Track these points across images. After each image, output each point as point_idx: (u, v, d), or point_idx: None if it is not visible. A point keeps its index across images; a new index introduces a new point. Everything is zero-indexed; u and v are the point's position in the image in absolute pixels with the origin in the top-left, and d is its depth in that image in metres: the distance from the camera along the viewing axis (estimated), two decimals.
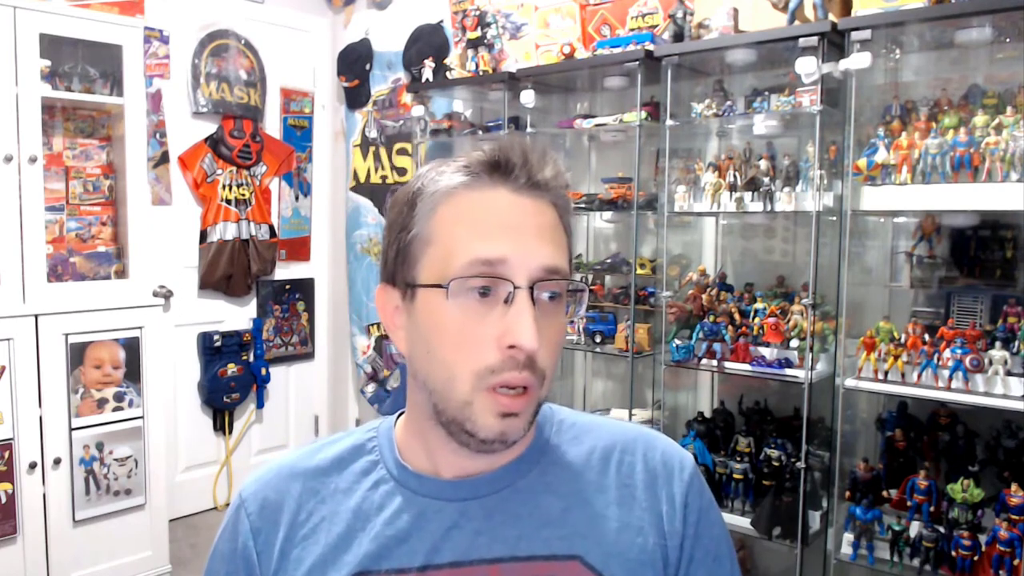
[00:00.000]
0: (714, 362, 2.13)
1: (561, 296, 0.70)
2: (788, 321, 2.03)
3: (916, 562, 1.78)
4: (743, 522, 2.07)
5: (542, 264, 0.67)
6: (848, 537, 1.88)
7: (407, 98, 3.21)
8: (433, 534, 0.71)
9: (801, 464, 1.96)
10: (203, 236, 3.27)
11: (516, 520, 0.72)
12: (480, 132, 2.82)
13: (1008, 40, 1.83)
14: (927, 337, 1.79)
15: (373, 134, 3.51)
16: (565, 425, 0.80)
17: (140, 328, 2.58)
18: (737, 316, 2.14)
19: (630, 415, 2.35)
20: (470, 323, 0.66)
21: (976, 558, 1.69)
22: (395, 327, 0.74)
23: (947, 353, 1.73)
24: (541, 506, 0.73)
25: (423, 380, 0.71)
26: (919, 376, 1.78)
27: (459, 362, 0.67)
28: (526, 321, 0.65)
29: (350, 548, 0.72)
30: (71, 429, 2.44)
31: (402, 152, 3.40)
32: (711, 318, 2.14)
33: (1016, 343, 1.69)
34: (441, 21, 3.15)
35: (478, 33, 2.66)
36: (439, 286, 0.67)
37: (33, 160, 2.34)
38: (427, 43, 3.18)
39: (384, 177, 3.48)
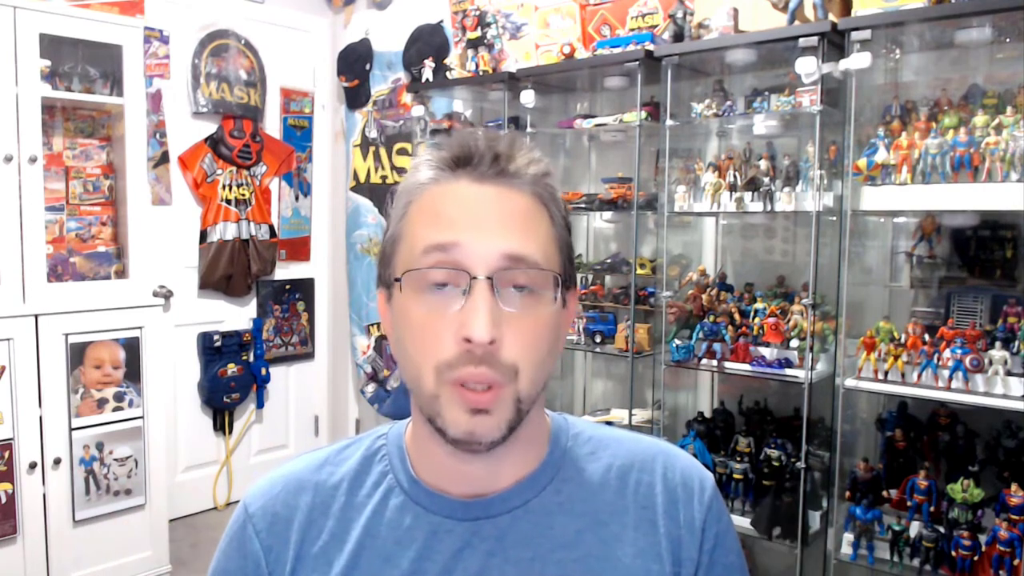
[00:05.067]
0: (714, 362, 2.13)
1: (538, 289, 0.65)
2: (788, 321, 2.03)
3: (916, 562, 1.78)
4: (743, 522, 2.07)
5: (501, 251, 0.63)
6: (848, 537, 1.88)
7: (407, 98, 3.21)
8: (444, 554, 0.69)
9: (801, 464, 1.96)
10: (203, 236, 3.27)
11: (529, 541, 0.70)
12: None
13: (1008, 40, 1.83)
14: (927, 337, 1.79)
15: (373, 134, 3.51)
16: (581, 439, 0.77)
17: (140, 328, 2.58)
18: (737, 316, 2.13)
19: (630, 415, 2.35)
20: (431, 317, 0.64)
21: (976, 558, 1.69)
22: (387, 329, 0.73)
23: (947, 353, 1.73)
24: (555, 527, 0.70)
25: (403, 377, 0.70)
26: (919, 376, 1.77)
27: (422, 357, 0.65)
28: (479, 312, 0.61)
29: (361, 568, 0.70)
30: (71, 429, 2.44)
31: (402, 152, 3.39)
32: (711, 318, 2.14)
33: (1016, 343, 1.69)
34: (441, 21, 3.15)
35: (478, 33, 2.66)
36: (398, 280, 0.67)
37: (33, 160, 2.34)
38: (427, 43, 3.18)
39: (384, 177, 3.48)
